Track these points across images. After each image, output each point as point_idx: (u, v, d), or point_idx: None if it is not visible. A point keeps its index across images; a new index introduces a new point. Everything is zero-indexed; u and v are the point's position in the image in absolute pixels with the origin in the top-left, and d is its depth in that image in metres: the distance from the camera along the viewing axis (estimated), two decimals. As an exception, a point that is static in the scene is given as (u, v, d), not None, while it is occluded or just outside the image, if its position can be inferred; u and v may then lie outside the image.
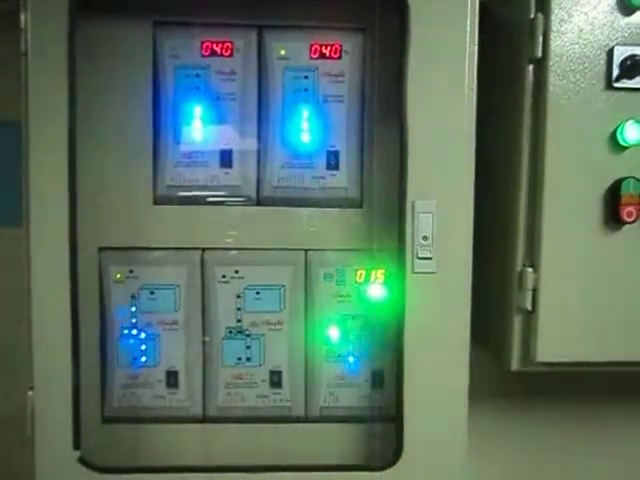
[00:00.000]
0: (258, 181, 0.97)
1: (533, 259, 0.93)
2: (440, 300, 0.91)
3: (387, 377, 0.99)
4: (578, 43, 0.90)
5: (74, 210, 0.88)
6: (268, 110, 0.97)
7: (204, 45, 0.95)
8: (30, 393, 0.89)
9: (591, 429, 1.21)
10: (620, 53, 0.90)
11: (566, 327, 0.93)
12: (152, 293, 0.97)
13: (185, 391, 0.99)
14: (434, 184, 0.90)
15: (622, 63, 0.90)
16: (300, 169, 0.97)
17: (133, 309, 0.97)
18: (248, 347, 0.98)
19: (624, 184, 0.90)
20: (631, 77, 0.90)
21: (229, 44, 0.95)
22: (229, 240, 0.96)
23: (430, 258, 0.90)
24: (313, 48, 0.96)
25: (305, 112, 0.96)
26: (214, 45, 0.95)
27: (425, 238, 0.90)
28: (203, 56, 0.95)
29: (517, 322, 0.95)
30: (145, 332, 0.97)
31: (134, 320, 0.97)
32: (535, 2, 0.92)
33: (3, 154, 1.10)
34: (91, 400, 0.95)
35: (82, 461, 0.90)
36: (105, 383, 0.97)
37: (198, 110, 0.96)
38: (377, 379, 1.00)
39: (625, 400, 1.20)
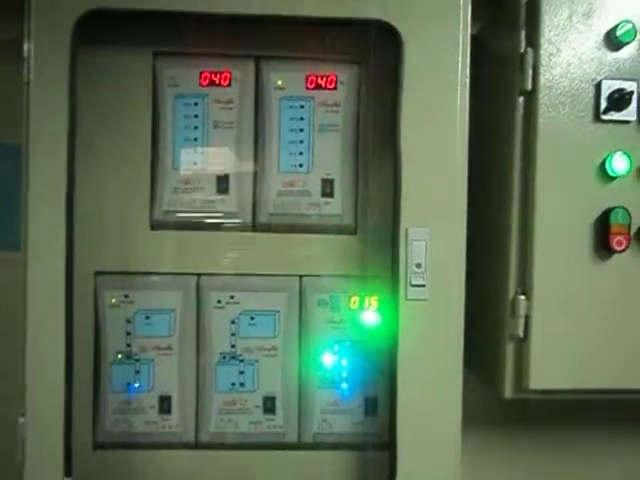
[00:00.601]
0: (254, 207, 0.99)
1: (525, 287, 0.95)
2: (433, 327, 0.92)
3: (381, 404, 0.99)
4: (567, 77, 0.93)
5: (71, 234, 0.89)
6: (265, 138, 0.98)
7: (203, 75, 0.97)
8: (21, 420, 0.89)
9: (585, 456, 1.21)
10: (607, 87, 0.93)
11: (558, 354, 0.93)
12: (147, 318, 0.97)
13: (178, 417, 0.98)
14: (427, 212, 0.92)
15: (610, 96, 0.93)
16: (296, 196, 0.99)
17: (128, 334, 0.97)
18: (242, 373, 0.99)
19: (613, 214, 0.92)
20: (619, 110, 0.93)
21: (227, 74, 0.97)
22: (226, 262, 0.97)
23: (423, 285, 0.91)
24: (309, 79, 0.98)
25: (301, 141, 0.98)
26: (212, 75, 0.97)
27: (418, 265, 0.91)
28: (202, 85, 0.97)
29: (510, 349, 0.96)
30: (139, 357, 0.97)
31: (128, 345, 0.97)
32: (525, 37, 0.95)
33: (4, 178, 1.11)
34: (83, 426, 0.95)
35: (73, 488, 0.89)
36: (97, 408, 0.97)
37: (196, 137, 0.97)
38: (370, 406, 1.00)
39: (619, 427, 1.20)
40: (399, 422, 0.91)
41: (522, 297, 0.94)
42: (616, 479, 1.21)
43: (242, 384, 0.98)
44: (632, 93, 0.92)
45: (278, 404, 0.99)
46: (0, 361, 1.14)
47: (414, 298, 0.91)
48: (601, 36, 0.93)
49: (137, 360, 0.97)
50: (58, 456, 0.88)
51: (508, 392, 0.96)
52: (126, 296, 0.97)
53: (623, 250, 0.92)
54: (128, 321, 0.97)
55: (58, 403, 0.88)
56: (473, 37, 0.94)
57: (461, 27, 0.92)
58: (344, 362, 0.99)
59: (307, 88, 0.98)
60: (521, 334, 0.94)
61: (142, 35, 0.95)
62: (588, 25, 0.93)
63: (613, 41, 0.93)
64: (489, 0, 1.08)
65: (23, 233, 0.89)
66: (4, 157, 1.12)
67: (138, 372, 0.97)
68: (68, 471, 0.89)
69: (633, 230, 0.93)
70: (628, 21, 0.92)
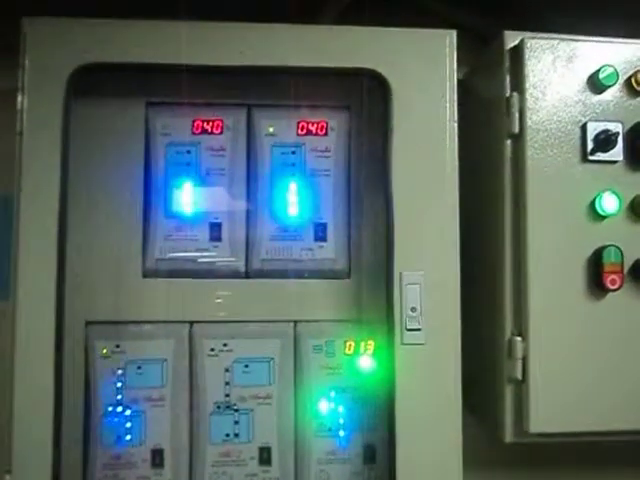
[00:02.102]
0: (247, 254, 0.98)
1: (521, 328, 0.94)
2: (430, 371, 0.90)
3: (379, 451, 0.97)
4: (553, 119, 0.95)
5: (62, 283, 0.88)
6: (257, 184, 0.99)
7: (195, 123, 0.98)
8: (7, 477, 0.86)
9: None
10: (593, 128, 0.94)
11: (558, 396, 0.92)
12: (139, 368, 0.95)
13: (171, 471, 0.95)
14: (420, 255, 0.92)
15: (596, 137, 0.94)
16: (288, 241, 0.99)
17: (119, 385, 0.95)
18: (236, 422, 0.96)
19: (605, 253, 0.92)
20: (605, 150, 0.94)
21: (219, 122, 0.98)
22: (214, 306, 0.96)
23: (419, 329, 0.90)
24: (300, 125, 0.99)
25: (293, 186, 0.99)
26: (205, 123, 0.98)
27: (413, 309, 0.90)
28: (194, 133, 0.98)
29: (509, 392, 0.94)
30: (130, 409, 0.95)
31: (119, 396, 0.95)
32: (510, 82, 0.97)
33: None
34: (72, 482, 0.92)
35: None
36: (87, 464, 0.94)
37: (188, 185, 0.98)
38: (369, 453, 0.97)
39: (625, 470, 1.17)
40: (399, 470, 0.89)
41: (518, 338, 0.93)
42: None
43: (237, 434, 0.96)
44: (617, 134, 0.94)
45: (274, 454, 0.96)
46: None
47: (410, 342, 0.90)
48: (584, 80, 0.95)
49: (128, 412, 0.95)
50: (45, 516, 0.85)
51: (508, 436, 0.94)
52: (117, 346, 0.95)
53: (617, 289, 0.92)
54: (119, 371, 0.95)
55: (46, 460, 0.85)
56: (460, 81, 0.96)
57: (448, 72, 0.94)
58: (341, 409, 0.97)
59: (298, 134, 0.99)
60: (519, 376, 0.93)
61: (134, 86, 0.96)
62: (571, 69, 0.95)
63: (596, 84, 0.95)
64: (475, 45, 1.11)
65: (12, 282, 0.88)
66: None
67: (129, 425, 0.94)
68: (56, 532, 0.85)
69: (626, 268, 0.93)
70: (609, 65, 0.94)
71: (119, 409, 0.94)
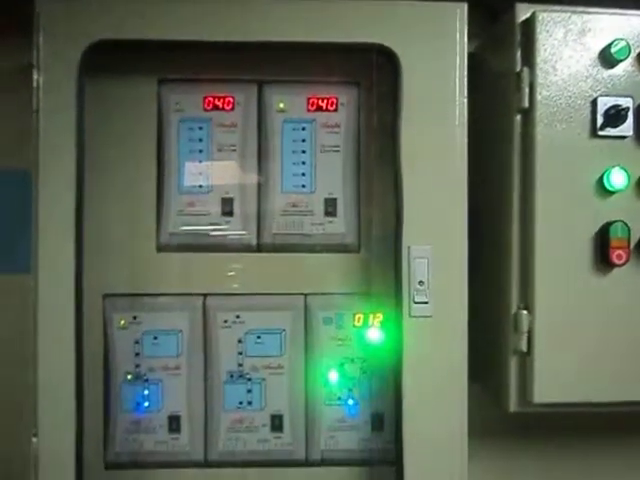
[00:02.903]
0: (258, 228, 1.01)
1: (527, 302, 0.96)
2: (437, 343, 0.93)
3: (387, 420, 1.00)
4: (563, 94, 0.95)
5: (80, 258, 0.91)
6: (268, 160, 1.01)
7: (206, 100, 0.99)
8: (34, 439, 0.91)
9: (590, 468, 1.21)
10: (603, 103, 0.94)
11: (561, 368, 0.94)
12: (155, 339, 0.99)
13: (187, 436, 1.00)
14: (429, 230, 0.93)
15: (606, 113, 0.94)
16: (299, 216, 1.01)
17: (136, 355, 0.99)
18: (249, 391, 1.00)
19: (612, 228, 0.93)
20: (615, 126, 0.94)
21: (230, 98, 1.00)
22: (227, 280, 0.98)
23: (426, 302, 0.92)
24: (310, 101, 1.00)
25: (303, 162, 1.00)
26: (216, 100, 0.99)
27: (421, 283, 0.92)
28: (205, 110, 1.00)
29: (513, 364, 0.97)
30: (148, 377, 0.99)
31: (137, 365, 0.99)
32: (521, 56, 0.96)
33: (16, 202, 1.14)
34: (94, 446, 0.96)
35: (85, 508, 0.91)
36: (108, 429, 0.99)
37: (200, 160, 0.99)
38: (377, 422, 1.01)
39: (624, 439, 1.20)
40: (405, 437, 0.92)
41: (524, 312, 0.95)
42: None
43: (250, 402, 1.00)
44: (628, 109, 0.93)
45: (285, 422, 1.00)
46: (12, 382, 1.17)
47: (417, 315, 0.92)
48: (596, 54, 0.95)
49: (146, 381, 0.99)
50: (70, 476, 0.90)
51: (513, 406, 0.97)
52: (134, 318, 0.99)
53: (623, 264, 0.93)
54: (137, 342, 0.99)
55: (69, 424, 0.90)
56: (472, 54, 0.96)
57: (458, 48, 0.94)
58: (350, 379, 1.00)
59: (308, 110, 1.00)
60: (524, 349, 0.95)
61: (147, 63, 0.97)
62: (583, 44, 0.95)
63: (608, 59, 0.94)
64: (486, 18, 1.10)
65: (33, 256, 0.91)
66: (16, 182, 1.14)
67: (147, 392, 0.99)
68: (80, 491, 0.91)
69: (633, 244, 0.94)
70: (621, 39, 0.93)
71: (137, 377, 0.99)
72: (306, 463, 1.01)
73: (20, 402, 0.99)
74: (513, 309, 0.97)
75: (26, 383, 0.91)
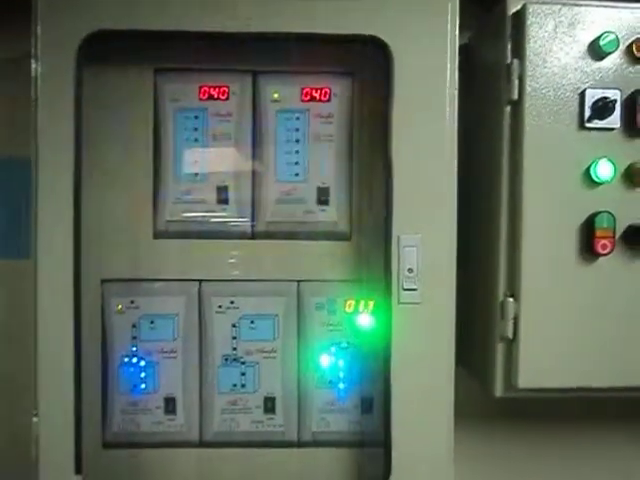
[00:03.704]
0: (253, 216, 1.03)
1: (514, 290, 0.98)
2: (425, 329, 0.95)
3: (376, 403, 1.03)
4: (552, 86, 0.96)
5: (79, 244, 0.94)
6: (262, 149, 1.02)
7: (202, 89, 1.01)
8: (35, 420, 0.94)
9: (575, 453, 1.24)
10: (591, 95, 0.96)
11: (546, 354, 0.97)
12: (152, 322, 1.02)
13: (183, 417, 1.03)
14: (418, 219, 0.95)
15: (593, 105, 0.95)
16: (292, 204, 1.03)
17: (133, 338, 1.01)
18: (243, 374, 1.03)
19: (598, 218, 0.95)
20: (602, 118, 0.96)
21: (225, 88, 1.01)
22: (222, 266, 1.01)
23: (415, 289, 0.95)
24: (304, 91, 1.02)
25: (297, 151, 1.02)
26: (211, 89, 1.01)
27: (410, 270, 0.95)
28: (201, 99, 1.01)
29: (500, 350, 0.99)
30: (145, 360, 1.02)
31: (134, 349, 1.02)
32: (511, 48, 0.98)
33: (16, 189, 1.16)
34: (92, 426, 1.00)
35: (83, 485, 0.94)
36: (106, 409, 1.02)
37: (196, 150, 1.01)
38: (367, 405, 1.04)
39: (607, 424, 1.23)
40: (394, 420, 0.95)
41: (511, 300, 0.98)
42: (606, 475, 1.25)
43: (243, 385, 1.03)
44: (615, 101, 0.95)
45: (278, 404, 1.03)
46: (13, 364, 1.20)
47: (406, 302, 0.95)
48: (585, 46, 0.96)
49: (143, 363, 1.02)
50: (69, 455, 0.93)
51: (498, 391, 1.00)
52: (132, 302, 1.01)
53: (608, 253, 0.95)
54: (134, 326, 1.02)
55: (68, 405, 0.93)
56: (463, 46, 0.97)
57: (449, 39, 0.95)
58: (341, 363, 1.03)
59: (302, 100, 1.02)
60: (510, 335, 0.97)
61: (143, 53, 0.99)
62: (572, 36, 0.96)
63: (597, 51, 0.96)
64: (477, 10, 1.11)
65: (33, 243, 0.94)
66: (16, 170, 1.17)
67: (144, 375, 1.02)
68: (78, 469, 0.93)
69: (618, 234, 0.96)
70: (611, 32, 0.95)
71: (134, 360, 1.02)
72: (298, 444, 1.04)
73: (21, 384, 1.02)
74: (500, 297, 0.99)
75: (27, 366, 0.94)
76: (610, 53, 0.95)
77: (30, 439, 0.94)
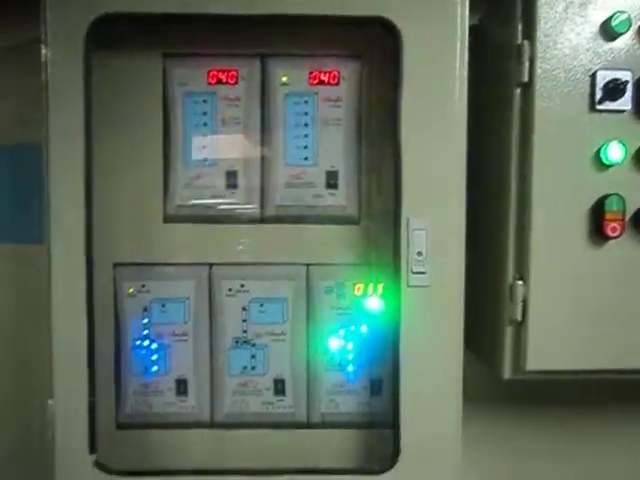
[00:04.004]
0: (262, 200, 1.03)
1: (523, 272, 0.98)
2: (434, 312, 0.96)
3: (385, 385, 1.04)
4: (563, 68, 0.95)
5: (90, 229, 0.95)
6: (271, 133, 1.03)
7: (210, 74, 1.01)
8: (50, 402, 0.96)
9: (581, 435, 1.25)
10: (602, 77, 0.95)
11: (554, 337, 0.97)
12: (163, 306, 1.03)
13: (194, 398, 1.04)
14: (427, 202, 0.95)
15: (605, 86, 0.95)
16: (301, 188, 1.03)
17: (145, 321, 1.03)
18: (253, 356, 1.04)
19: (608, 201, 0.95)
20: (613, 99, 0.95)
21: (234, 72, 1.01)
22: (231, 250, 1.01)
23: (424, 272, 0.95)
24: (313, 75, 1.02)
25: (305, 135, 1.02)
26: (220, 73, 1.01)
27: (419, 253, 0.95)
28: (209, 84, 1.01)
29: (508, 332, 1.00)
30: (156, 343, 1.03)
31: (146, 332, 1.03)
32: (522, 29, 0.97)
33: (28, 175, 1.17)
34: (106, 408, 1.01)
35: (98, 464, 0.96)
36: (119, 392, 1.03)
37: (205, 134, 1.02)
38: (375, 387, 1.05)
39: (614, 407, 1.24)
40: (402, 402, 0.96)
41: (520, 282, 0.98)
42: (613, 457, 1.26)
43: (253, 367, 1.04)
44: (626, 83, 0.94)
45: (288, 386, 1.05)
46: (28, 347, 1.22)
47: (415, 285, 0.95)
48: (596, 27, 0.95)
49: (154, 346, 1.03)
50: (84, 435, 0.95)
51: (507, 373, 1.00)
52: (143, 286, 1.03)
53: (617, 236, 0.95)
54: (145, 309, 1.03)
55: (82, 387, 0.95)
56: (473, 27, 0.96)
57: (459, 21, 0.94)
58: (350, 346, 1.04)
59: (311, 84, 1.02)
60: (519, 318, 0.98)
61: (151, 37, 0.99)
62: (583, 16, 0.95)
63: (608, 31, 0.94)
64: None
65: (46, 227, 0.95)
66: (27, 156, 1.18)
67: (156, 357, 1.03)
68: (93, 449, 0.96)
69: (627, 217, 0.96)
70: (623, 12, 0.93)
71: (146, 343, 1.03)
72: (307, 425, 1.05)
73: (36, 368, 1.04)
74: (509, 279, 1.00)
75: (42, 350, 0.96)
76: (622, 34, 0.94)
77: (46, 420, 0.96)
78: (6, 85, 1.19)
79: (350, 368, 1.05)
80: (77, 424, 0.95)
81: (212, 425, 1.05)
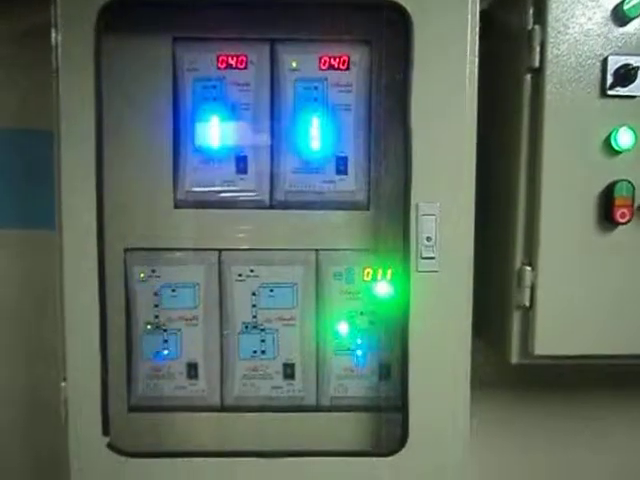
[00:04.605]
0: (271, 186, 1.03)
1: (531, 258, 0.98)
2: (443, 297, 0.96)
3: (393, 369, 1.05)
4: (574, 53, 0.95)
5: (102, 214, 0.95)
6: (280, 119, 1.02)
7: (220, 58, 1.01)
8: (63, 384, 0.97)
9: (589, 420, 1.26)
10: (614, 62, 0.94)
11: (562, 322, 0.98)
12: (173, 291, 1.04)
13: (204, 382, 1.06)
14: (437, 187, 0.96)
15: (616, 72, 0.94)
16: (311, 174, 1.03)
17: (156, 306, 1.04)
18: (263, 341, 1.05)
19: (617, 187, 0.95)
20: (624, 85, 0.95)
21: (243, 57, 1.01)
22: (241, 235, 1.02)
23: (433, 258, 0.96)
24: (322, 60, 1.01)
25: (315, 120, 1.02)
26: (229, 58, 1.01)
27: (428, 239, 0.96)
28: (219, 69, 1.01)
29: (516, 318, 1.00)
30: (167, 327, 1.04)
31: (157, 316, 1.04)
32: (532, 14, 0.97)
33: (39, 161, 1.17)
34: (118, 391, 1.03)
35: (110, 446, 0.98)
36: (131, 375, 1.05)
37: (215, 119, 1.02)
38: (384, 371, 1.06)
39: (622, 392, 1.25)
40: (411, 386, 0.97)
41: (528, 268, 0.98)
42: (621, 443, 1.27)
43: (263, 352, 1.05)
44: (638, 68, 0.93)
45: (297, 370, 1.05)
46: (40, 332, 1.24)
47: (424, 270, 0.96)
48: (608, 11, 0.94)
49: (165, 330, 1.04)
50: (96, 418, 0.96)
51: (515, 358, 1.01)
52: (153, 271, 1.03)
53: (627, 222, 0.95)
54: (156, 294, 1.04)
55: (95, 370, 0.96)
56: (483, 12, 0.96)
57: (470, 5, 0.94)
58: (359, 331, 1.05)
59: (320, 69, 1.02)
60: (527, 303, 0.98)
61: (162, 21, 0.99)
62: (595, 1, 0.94)
63: (620, 16, 0.94)
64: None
65: (57, 213, 0.96)
66: (38, 141, 1.18)
67: (166, 341, 1.04)
68: (106, 431, 0.97)
69: (637, 203, 0.96)
70: (635, -4, 0.93)
71: (157, 327, 1.04)
72: (316, 409, 1.06)
73: (49, 350, 1.05)
74: (517, 265, 1.00)
75: (55, 334, 0.97)
76: (634, 18, 0.94)
77: (59, 403, 0.97)
78: (17, 69, 1.18)
79: (359, 352, 1.05)
80: (90, 406, 0.96)
81: (222, 409, 1.06)
